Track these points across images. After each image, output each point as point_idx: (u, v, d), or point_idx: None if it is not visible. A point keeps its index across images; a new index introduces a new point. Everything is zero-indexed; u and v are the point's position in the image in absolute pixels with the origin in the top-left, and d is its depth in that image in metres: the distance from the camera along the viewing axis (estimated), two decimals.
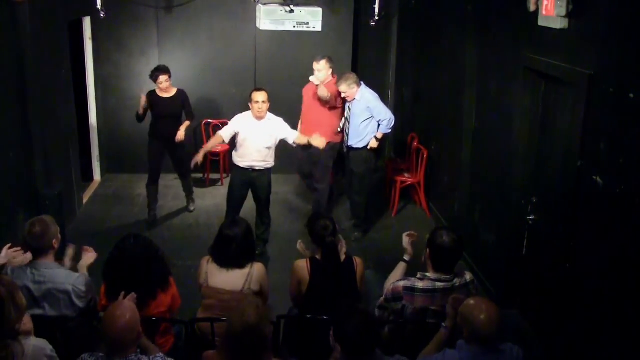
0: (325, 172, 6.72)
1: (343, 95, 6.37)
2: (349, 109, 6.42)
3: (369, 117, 6.34)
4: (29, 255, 3.66)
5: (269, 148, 5.88)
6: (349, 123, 6.43)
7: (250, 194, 6.15)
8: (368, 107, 6.33)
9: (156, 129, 6.75)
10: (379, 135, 6.40)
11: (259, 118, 5.84)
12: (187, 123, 6.81)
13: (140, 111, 6.68)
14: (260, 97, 5.75)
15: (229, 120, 6.12)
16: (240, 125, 5.89)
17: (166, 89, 6.65)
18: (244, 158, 5.91)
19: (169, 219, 7.13)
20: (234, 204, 6.06)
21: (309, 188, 7.15)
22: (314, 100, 6.61)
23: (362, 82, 6.45)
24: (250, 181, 5.98)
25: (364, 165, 6.54)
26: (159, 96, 6.69)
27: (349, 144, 6.51)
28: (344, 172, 7.26)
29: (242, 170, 5.94)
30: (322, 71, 6.48)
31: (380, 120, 6.34)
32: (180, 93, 6.79)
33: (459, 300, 3.09)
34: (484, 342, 2.84)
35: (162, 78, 6.58)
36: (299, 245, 4.32)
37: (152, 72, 6.70)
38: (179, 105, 6.75)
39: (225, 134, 5.94)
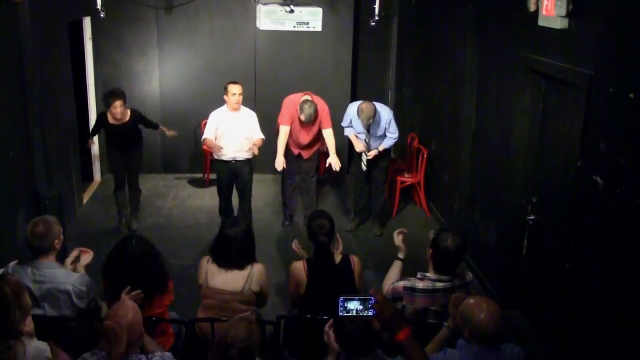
0: (314, 170, 6.93)
1: (370, 123, 6.14)
2: (368, 132, 6.29)
3: (383, 133, 6.39)
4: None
5: (247, 138, 6.09)
6: (367, 142, 6.37)
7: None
8: (385, 123, 6.32)
9: (114, 143, 6.46)
10: (381, 148, 6.43)
11: (235, 110, 6.11)
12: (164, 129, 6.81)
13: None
14: (236, 89, 6.07)
15: None
16: (218, 120, 6.12)
17: (120, 115, 6.19)
18: (225, 151, 6.12)
19: (169, 219, 7.13)
20: (224, 194, 6.41)
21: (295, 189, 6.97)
22: (304, 125, 6.37)
23: (373, 102, 6.25)
24: (234, 171, 6.23)
25: (387, 160, 6.82)
26: (109, 123, 6.25)
27: (369, 158, 6.46)
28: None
29: (225, 162, 6.18)
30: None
31: (390, 134, 6.39)
32: (134, 116, 6.36)
33: (461, 299, 3.07)
34: (484, 342, 2.82)
35: (117, 103, 6.09)
36: (294, 244, 4.32)
37: (106, 94, 6.28)
38: (134, 127, 6.40)
39: (210, 134, 6.12)
